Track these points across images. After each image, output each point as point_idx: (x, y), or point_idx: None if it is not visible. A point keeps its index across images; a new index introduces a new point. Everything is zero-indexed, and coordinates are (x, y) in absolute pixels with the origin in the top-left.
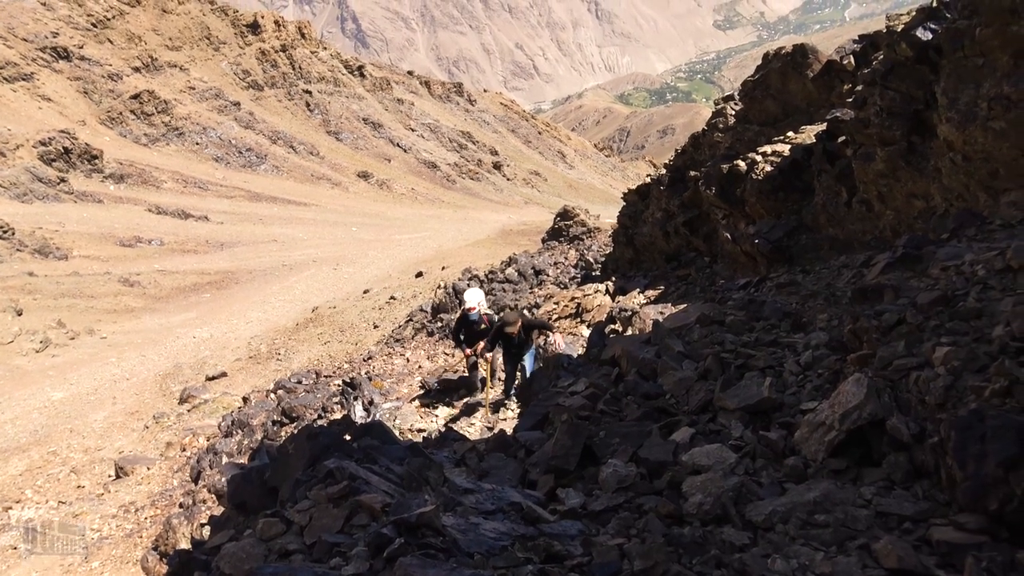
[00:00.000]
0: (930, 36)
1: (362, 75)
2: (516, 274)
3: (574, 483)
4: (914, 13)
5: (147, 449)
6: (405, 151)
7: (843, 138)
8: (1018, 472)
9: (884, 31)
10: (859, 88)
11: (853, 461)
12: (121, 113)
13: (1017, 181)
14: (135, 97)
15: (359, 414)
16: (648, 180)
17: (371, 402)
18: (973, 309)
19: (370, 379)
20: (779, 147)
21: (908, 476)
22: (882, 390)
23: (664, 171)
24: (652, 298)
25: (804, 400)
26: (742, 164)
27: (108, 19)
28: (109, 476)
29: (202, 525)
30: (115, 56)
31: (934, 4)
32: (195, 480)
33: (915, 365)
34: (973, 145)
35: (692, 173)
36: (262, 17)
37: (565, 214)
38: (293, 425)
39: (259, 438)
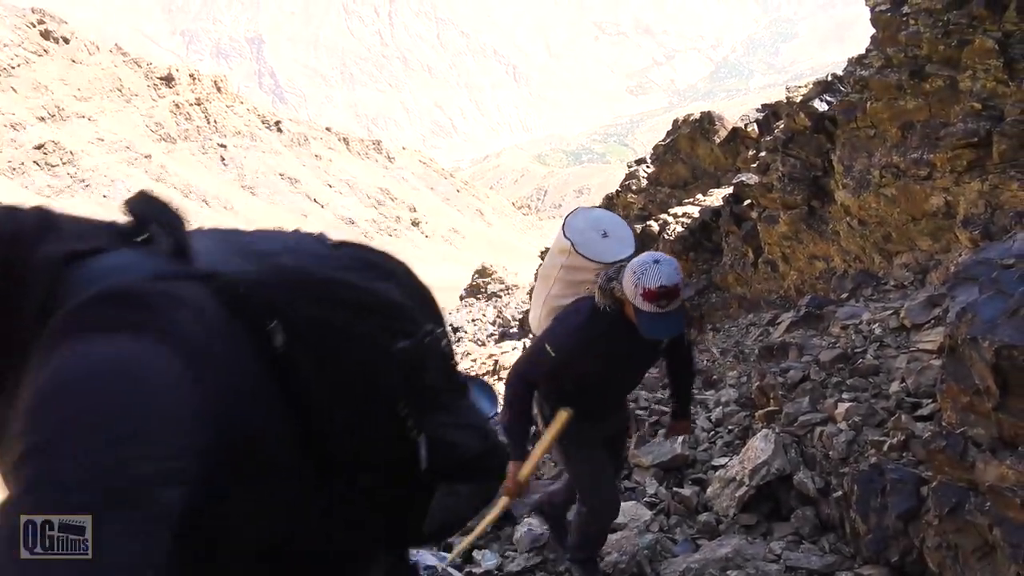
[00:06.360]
0: (826, 107)
1: (279, 130)
2: None
3: (490, 544)
4: (811, 85)
5: None
6: (323, 207)
7: (748, 201)
8: (916, 524)
9: (785, 101)
10: (762, 154)
11: (763, 516)
12: (23, 163)
13: (908, 244)
14: (39, 147)
15: None
16: None
17: None
18: (871, 366)
19: None
20: (689, 209)
21: (815, 530)
22: (789, 445)
23: None
24: None
25: (716, 456)
26: (655, 225)
27: (13, 67)
28: None
29: None
30: (19, 105)
31: (829, 78)
32: None
33: (819, 421)
34: (867, 210)
35: None
36: (176, 70)
37: (483, 271)
38: None
39: None
